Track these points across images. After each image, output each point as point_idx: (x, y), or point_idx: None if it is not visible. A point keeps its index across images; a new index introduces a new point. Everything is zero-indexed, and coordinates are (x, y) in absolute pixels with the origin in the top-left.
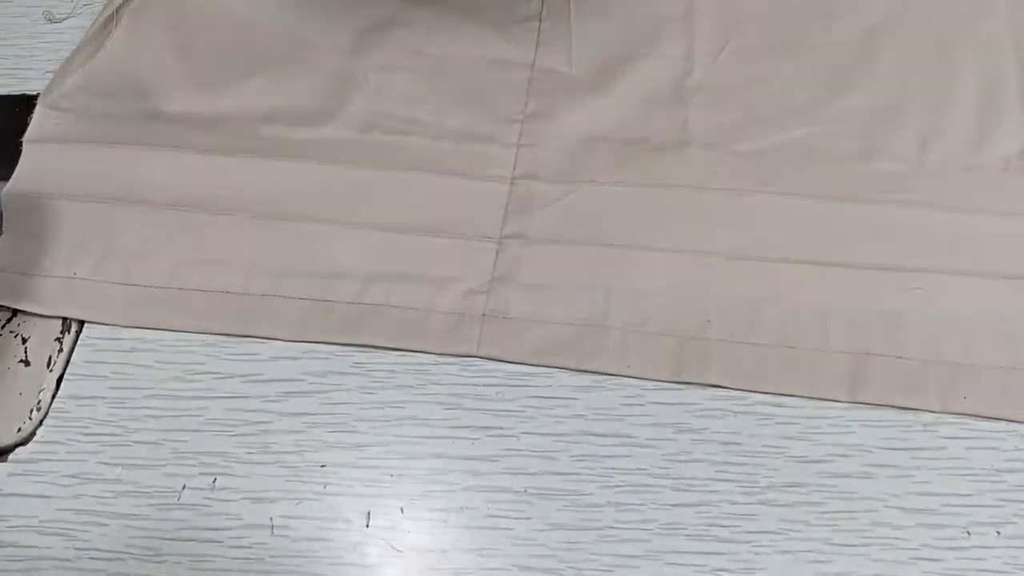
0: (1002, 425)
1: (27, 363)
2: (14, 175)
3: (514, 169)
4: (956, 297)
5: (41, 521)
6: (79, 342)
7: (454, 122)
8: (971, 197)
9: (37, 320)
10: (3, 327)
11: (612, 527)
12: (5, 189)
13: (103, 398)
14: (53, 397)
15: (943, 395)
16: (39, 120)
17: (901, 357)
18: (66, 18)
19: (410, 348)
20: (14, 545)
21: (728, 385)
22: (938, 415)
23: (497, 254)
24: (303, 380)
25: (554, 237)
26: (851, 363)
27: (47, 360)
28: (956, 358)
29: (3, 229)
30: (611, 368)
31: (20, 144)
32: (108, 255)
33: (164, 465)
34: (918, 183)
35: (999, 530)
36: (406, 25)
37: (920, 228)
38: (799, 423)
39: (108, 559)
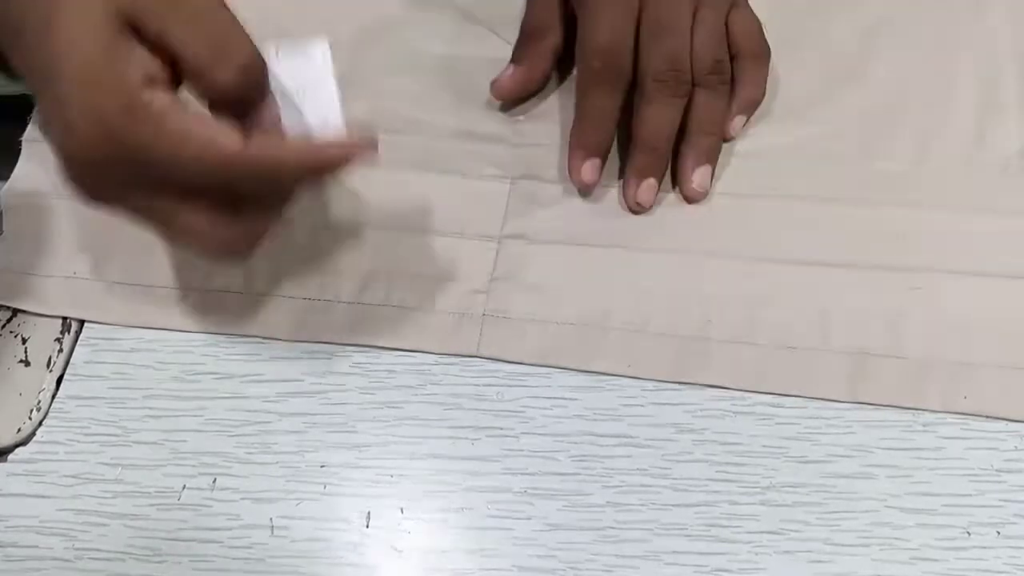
0: (1002, 425)
1: (27, 363)
2: (13, 174)
3: (515, 169)
4: (956, 297)
5: (41, 521)
6: (79, 342)
7: (454, 121)
8: (971, 196)
9: (37, 320)
10: (3, 327)
11: (612, 527)
12: (4, 188)
13: (103, 398)
14: (53, 397)
15: (943, 394)
16: (38, 119)
17: (901, 357)
18: None
19: (410, 348)
20: (14, 545)
21: (728, 386)
22: (938, 415)
23: (497, 254)
24: (303, 380)
25: (554, 237)
26: (851, 363)
27: (47, 360)
28: (956, 358)
29: (3, 228)
30: (612, 368)
31: (19, 144)
32: (108, 254)
33: (164, 465)
34: (918, 183)
35: (999, 530)
36: (406, 24)
37: (920, 228)
38: (799, 423)
39: (108, 559)
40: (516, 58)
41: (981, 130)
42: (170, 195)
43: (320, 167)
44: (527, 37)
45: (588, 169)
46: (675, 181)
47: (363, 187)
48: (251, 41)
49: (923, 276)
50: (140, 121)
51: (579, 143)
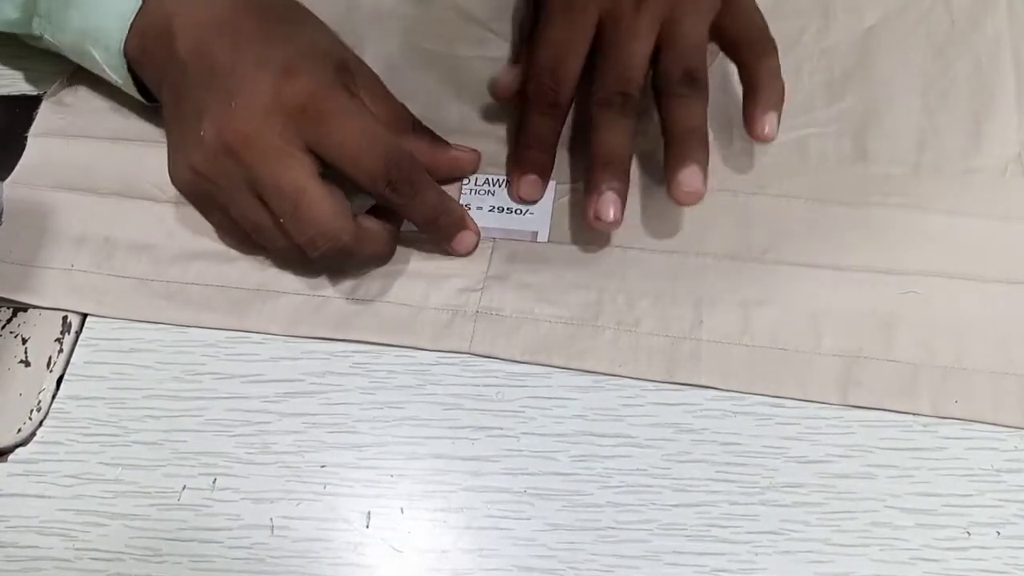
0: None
1: (27, 363)
2: (17, 167)
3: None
4: (950, 301)
5: (41, 521)
6: (79, 342)
7: (451, 118)
8: (967, 200)
9: (37, 320)
10: (3, 327)
11: (612, 527)
12: (7, 181)
13: (103, 398)
14: (53, 397)
15: (934, 399)
16: (44, 116)
17: (893, 360)
18: None
19: (402, 344)
20: (14, 545)
21: (719, 386)
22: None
23: (492, 252)
24: (303, 380)
25: (549, 236)
26: (843, 365)
27: (47, 360)
28: (948, 362)
29: (3, 220)
30: (602, 368)
31: (24, 139)
32: (106, 248)
33: (164, 465)
34: (914, 186)
35: (999, 530)
36: (403, 20)
37: (915, 231)
38: (799, 423)
39: (108, 559)
40: (517, 58)
41: (979, 133)
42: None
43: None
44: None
45: (526, 186)
46: (668, 189)
47: None
48: (389, 143)
49: (917, 279)
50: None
51: (516, 161)
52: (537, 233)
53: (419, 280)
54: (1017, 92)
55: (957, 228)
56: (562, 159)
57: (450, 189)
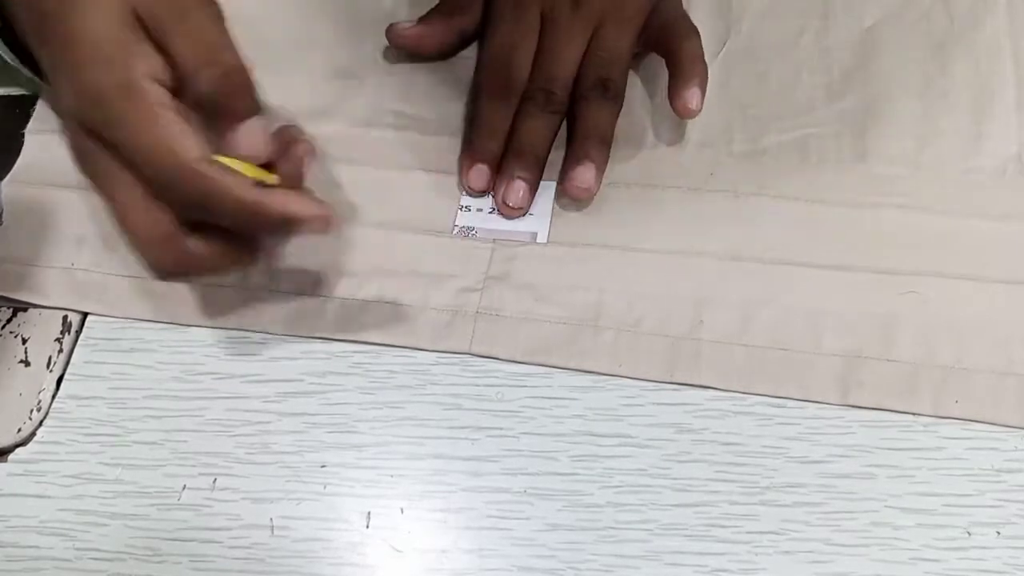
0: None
1: (27, 363)
2: (16, 165)
3: None
4: (950, 301)
5: (41, 521)
6: (79, 342)
7: (450, 117)
8: (967, 200)
9: (37, 320)
10: (3, 327)
11: (612, 527)
12: (6, 179)
13: (103, 398)
14: (53, 397)
15: (935, 399)
16: (41, 113)
17: (893, 360)
18: None
19: (403, 344)
20: (14, 545)
21: (719, 386)
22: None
23: (492, 252)
24: (303, 380)
25: (549, 237)
26: (843, 366)
27: (47, 360)
28: (948, 362)
29: (3, 220)
30: (603, 368)
31: (21, 138)
32: (107, 247)
33: (164, 465)
34: (914, 186)
35: (999, 530)
36: (405, 21)
37: (915, 231)
38: (799, 424)
39: (108, 559)
40: (424, 18)
41: (979, 133)
42: (128, 178)
43: (263, 213)
44: (444, 6)
45: (474, 176)
46: (562, 184)
47: (358, 184)
48: (237, 54)
49: (917, 279)
50: (130, 100)
51: (466, 150)
52: (537, 234)
53: (419, 280)
54: (1017, 92)
55: (957, 228)
56: (559, 159)
57: (451, 191)
